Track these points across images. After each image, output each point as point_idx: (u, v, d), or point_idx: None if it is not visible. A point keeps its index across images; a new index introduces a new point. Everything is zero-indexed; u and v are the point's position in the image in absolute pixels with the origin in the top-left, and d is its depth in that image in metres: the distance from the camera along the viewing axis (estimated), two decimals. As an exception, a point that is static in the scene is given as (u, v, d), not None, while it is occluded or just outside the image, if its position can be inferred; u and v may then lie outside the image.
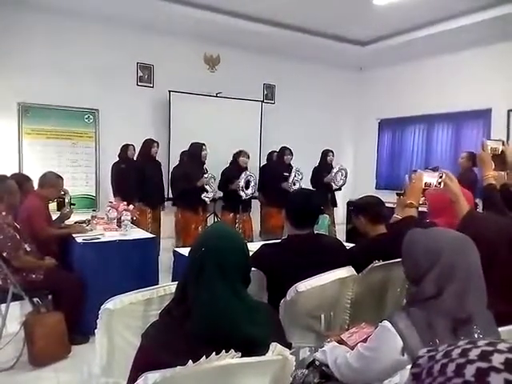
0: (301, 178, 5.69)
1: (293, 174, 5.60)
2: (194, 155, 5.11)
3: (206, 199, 5.07)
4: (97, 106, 6.04)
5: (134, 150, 5.35)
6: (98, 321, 1.54)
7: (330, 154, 6.09)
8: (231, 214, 5.39)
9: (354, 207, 2.48)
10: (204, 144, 5.13)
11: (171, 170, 5.56)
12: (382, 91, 8.07)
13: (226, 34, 6.37)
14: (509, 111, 6.28)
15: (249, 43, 6.77)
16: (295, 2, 5.47)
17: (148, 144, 5.27)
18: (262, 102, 7.35)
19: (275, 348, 1.13)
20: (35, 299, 3.08)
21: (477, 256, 1.20)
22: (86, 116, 6.02)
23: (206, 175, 5.02)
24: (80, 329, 3.03)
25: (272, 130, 7.22)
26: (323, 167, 6.03)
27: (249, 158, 5.47)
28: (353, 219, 2.54)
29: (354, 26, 6.40)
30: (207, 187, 5.03)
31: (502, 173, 2.04)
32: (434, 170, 6.30)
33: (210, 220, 5.83)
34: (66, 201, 3.85)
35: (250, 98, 7.09)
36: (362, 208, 2.41)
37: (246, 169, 5.40)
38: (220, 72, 7.03)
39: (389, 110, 7.98)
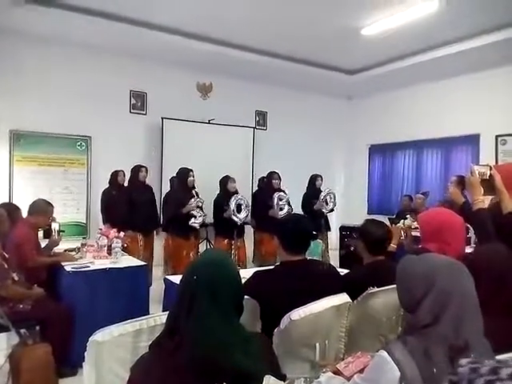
0: (287, 202, 5.65)
1: (275, 201, 5.55)
2: (181, 181, 5.10)
3: (195, 225, 4.99)
4: (89, 133, 6.05)
5: (124, 175, 5.32)
6: (85, 353, 1.49)
7: (319, 178, 6.08)
8: (226, 240, 5.32)
9: (361, 228, 2.43)
10: (191, 170, 5.13)
11: (163, 196, 5.56)
12: (372, 118, 8.21)
13: (218, 63, 6.49)
14: (497, 137, 6.40)
15: (241, 71, 6.89)
16: (286, 33, 5.61)
17: (136, 169, 5.28)
18: (254, 128, 7.43)
19: (269, 381, 1.10)
20: (22, 330, 2.98)
21: (471, 282, 1.19)
22: (79, 143, 6.03)
23: (192, 201, 4.96)
24: (68, 361, 2.93)
25: (264, 156, 7.27)
26: (312, 193, 5.99)
27: (235, 181, 5.42)
28: (354, 239, 2.50)
29: (343, 56, 6.57)
30: (194, 213, 4.97)
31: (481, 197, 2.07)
32: (425, 194, 6.34)
33: (203, 246, 5.77)
34: (56, 229, 3.79)
35: (242, 124, 7.17)
36: (365, 235, 2.36)
37: (235, 193, 5.38)
38: (212, 99, 7.12)
39: (379, 136, 8.11)
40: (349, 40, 5.79)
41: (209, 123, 6.84)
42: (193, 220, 4.96)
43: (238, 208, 5.27)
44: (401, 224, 3.76)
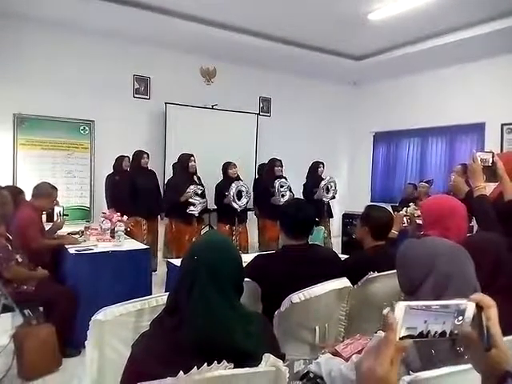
0: (289, 188, 5.65)
1: (276, 187, 5.54)
2: (183, 166, 5.10)
3: (193, 213, 4.99)
4: (93, 118, 6.03)
5: (129, 161, 5.34)
6: (88, 332, 1.51)
7: (321, 165, 6.05)
8: (227, 226, 5.34)
9: (365, 214, 2.43)
10: (192, 155, 5.12)
11: (166, 181, 5.57)
12: (377, 105, 8.14)
13: (222, 48, 6.42)
14: (502, 125, 6.34)
15: (245, 57, 6.82)
16: (291, 17, 5.53)
17: (138, 155, 5.28)
18: (258, 114, 7.38)
19: (268, 359, 1.11)
20: (26, 311, 3.03)
21: (472, 265, 1.19)
22: (82, 127, 6.02)
23: (190, 188, 4.94)
24: (71, 341, 2.98)
25: (268, 143, 7.24)
26: (313, 180, 5.96)
27: (236, 167, 5.42)
28: (357, 224, 2.49)
29: (349, 41, 6.47)
30: (192, 201, 4.95)
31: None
32: (429, 182, 6.30)
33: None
34: (61, 212, 3.82)
35: (246, 110, 7.12)
36: (371, 220, 2.36)
37: (237, 179, 5.38)
38: (216, 85, 7.07)
39: (383, 124, 8.05)
40: (355, 25, 5.69)
41: (212, 109, 6.81)
42: (191, 208, 4.95)
43: (239, 194, 5.28)
44: (403, 211, 3.76)
